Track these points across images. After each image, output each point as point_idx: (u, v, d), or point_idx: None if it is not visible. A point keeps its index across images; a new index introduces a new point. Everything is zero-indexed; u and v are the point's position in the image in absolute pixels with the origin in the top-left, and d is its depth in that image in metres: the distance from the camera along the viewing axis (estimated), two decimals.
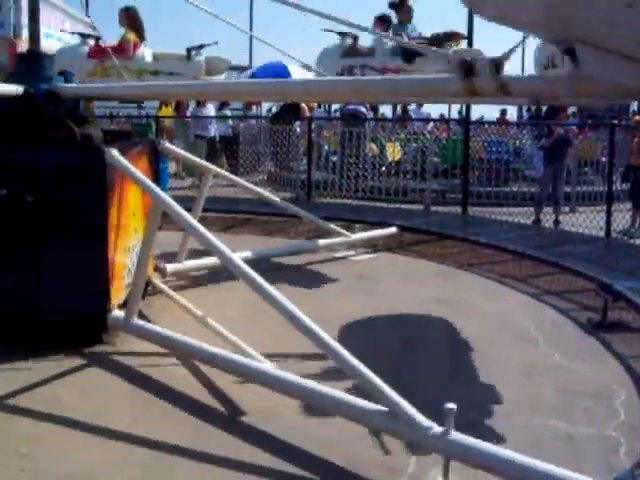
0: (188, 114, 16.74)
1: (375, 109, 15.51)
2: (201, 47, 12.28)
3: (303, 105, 14.42)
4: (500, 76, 3.71)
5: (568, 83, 3.51)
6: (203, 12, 7.02)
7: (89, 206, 5.07)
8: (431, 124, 16.13)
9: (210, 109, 16.18)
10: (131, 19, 11.12)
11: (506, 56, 3.72)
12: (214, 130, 15.84)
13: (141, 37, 11.30)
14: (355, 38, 12.68)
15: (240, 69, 21.91)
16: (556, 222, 11.07)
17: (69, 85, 5.90)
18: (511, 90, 3.80)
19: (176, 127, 16.64)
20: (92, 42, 11.67)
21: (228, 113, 17.21)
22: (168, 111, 18.68)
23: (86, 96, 6.07)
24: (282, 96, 7.18)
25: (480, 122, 15.49)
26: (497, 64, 3.69)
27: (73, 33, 16.00)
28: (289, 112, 14.39)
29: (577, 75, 3.26)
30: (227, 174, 8.48)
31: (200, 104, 15.81)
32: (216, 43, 13.99)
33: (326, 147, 14.86)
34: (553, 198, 11.40)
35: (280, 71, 14.83)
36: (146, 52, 11.99)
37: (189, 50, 12.00)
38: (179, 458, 3.69)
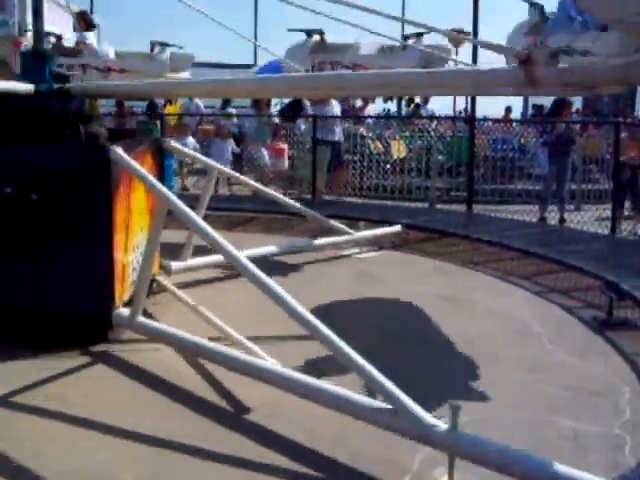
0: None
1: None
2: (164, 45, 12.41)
3: (306, 102, 14.37)
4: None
5: None
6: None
7: (94, 204, 5.08)
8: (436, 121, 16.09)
9: (335, 106, 13.14)
10: None
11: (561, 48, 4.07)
12: (340, 133, 12.91)
13: None
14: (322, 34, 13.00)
15: (209, 66, 22.14)
16: (561, 220, 11.05)
17: (77, 84, 5.93)
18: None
19: (257, 129, 13.54)
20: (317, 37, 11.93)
21: (233, 111, 17.13)
22: (173, 109, 18.64)
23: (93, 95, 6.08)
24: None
25: (485, 119, 15.46)
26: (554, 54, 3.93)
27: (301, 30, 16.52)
28: (293, 109, 14.34)
29: None
30: (232, 172, 8.49)
31: (324, 101, 12.74)
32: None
33: None
34: (558, 196, 11.39)
35: (282, 69, 14.90)
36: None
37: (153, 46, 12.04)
38: (185, 455, 3.70)
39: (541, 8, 14.40)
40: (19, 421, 4.03)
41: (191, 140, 13.39)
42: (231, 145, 13.36)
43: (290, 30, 17.37)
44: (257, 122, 13.46)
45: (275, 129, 13.59)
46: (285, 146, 13.17)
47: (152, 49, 17.90)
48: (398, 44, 15.59)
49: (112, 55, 17.84)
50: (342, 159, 12.91)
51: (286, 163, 13.10)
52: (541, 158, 13.13)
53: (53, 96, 5.58)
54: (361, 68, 14.59)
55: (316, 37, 17.37)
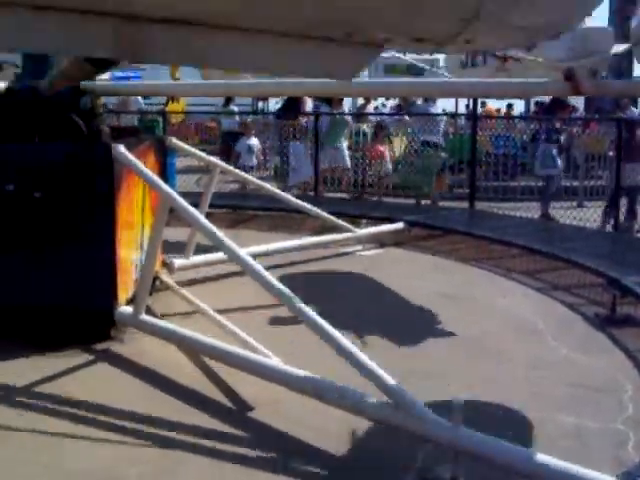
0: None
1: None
2: None
3: (305, 98, 14.27)
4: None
5: None
6: None
7: (97, 202, 5.08)
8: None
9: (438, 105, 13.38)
10: None
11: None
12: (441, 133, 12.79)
13: None
14: None
15: None
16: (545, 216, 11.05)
17: (45, 82, 5.90)
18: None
19: (328, 129, 12.66)
20: None
21: (235, 109, 17.09)
22: (175, 107, 18.62)
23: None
24: None
25: (487, 116, 15.46)
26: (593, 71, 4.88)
27: None
28: (289, 109, 14.18)
29: None
30: (235, 170, 8.49)
31: (429, 100, 12.67)
32: None
33: None
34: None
35: None
36: None
37: None
38: (188, 453, 3.71)
39: None
40: (21, 419, 4.03)
41: (255, 141, 13.05)
42: (307, 146, 12.78)
43: None
44: (331, 121, 12.76)
45: (376, 130, 13.06)
46: (385, 148, 12.71)
47: None
48: None
49: None
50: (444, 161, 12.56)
51: (389, 167, 12.73)
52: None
53: (26, 94, 5.57)
54: None
55: None
